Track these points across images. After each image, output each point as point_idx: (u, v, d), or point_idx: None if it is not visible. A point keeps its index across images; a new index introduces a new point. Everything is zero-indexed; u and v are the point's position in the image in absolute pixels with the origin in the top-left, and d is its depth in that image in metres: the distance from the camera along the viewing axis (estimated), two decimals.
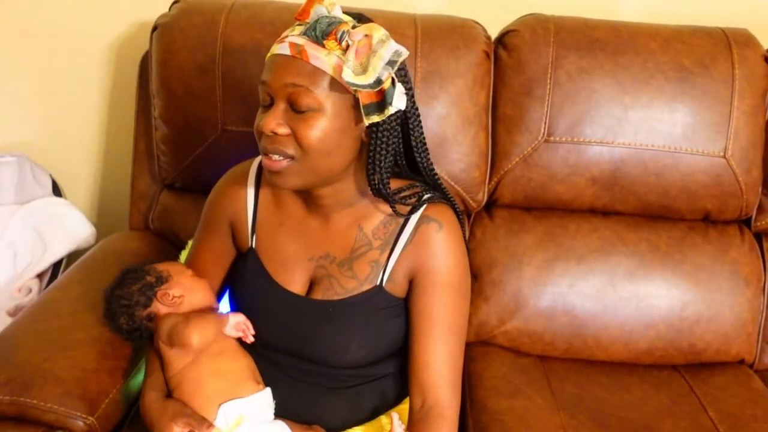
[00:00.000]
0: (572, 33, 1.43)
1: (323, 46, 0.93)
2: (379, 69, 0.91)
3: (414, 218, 1.06)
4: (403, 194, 1.07)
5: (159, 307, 1.08)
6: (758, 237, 1.50)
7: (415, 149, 1.06)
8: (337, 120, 0.95)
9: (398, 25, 1.41)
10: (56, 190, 1.78)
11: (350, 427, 1.10)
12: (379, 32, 0.93)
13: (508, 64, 1.45)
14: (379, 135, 0.98)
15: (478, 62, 1.42)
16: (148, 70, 1.50)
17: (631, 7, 1.66)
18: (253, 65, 1.37)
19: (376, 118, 0.95)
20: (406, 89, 0.98)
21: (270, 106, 0.96)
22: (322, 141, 0.94)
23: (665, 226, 1.48)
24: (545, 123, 1.42)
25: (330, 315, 1.05)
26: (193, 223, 1.49)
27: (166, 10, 1.49)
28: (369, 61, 0.91)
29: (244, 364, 1.06)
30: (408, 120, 1.03)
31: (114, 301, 1.11)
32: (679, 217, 1.49)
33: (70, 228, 1.70)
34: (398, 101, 0.95)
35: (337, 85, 0.93)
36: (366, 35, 0.92)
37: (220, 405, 1.01)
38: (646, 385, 1.39)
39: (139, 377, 1.19)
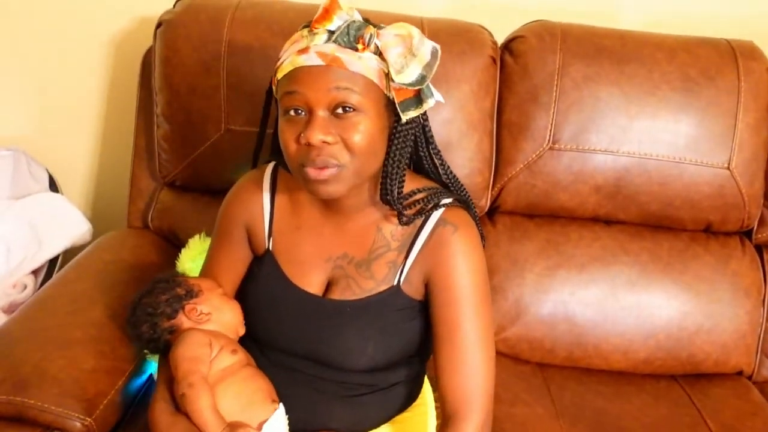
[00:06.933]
0: (579, 41, 1.43)
1: (356, 50, 0.94)
2: (422, 66, 0.95)
3: (431, 221, 1.04)
4: (415, 198, 1.05)
5: (183, 321, 1.06)
6: (759, 249, 1.51)
7: (432, 149, 1.07)
8: (377, 120, 0.96)
9: None
10: (53, 186, 1.75)
11: None
12: (415, 31, 0.96)
13: (514, 70, 1.44)
14: (399, 136, 0.99)
15: (484, 67, 1.41)
16: (150, 67, 1.49)
17: (635, 15, 1.65)
18: (259, 65, 1.35)
19: (413, 113, 0.98)
20: None
21: (300, 117, 0.95)
22: (369, 143, 0.95)
23: (667, 236, 1.48)
24: (550, 130, 1.41)
25: (348, 315, 1.04)
26: (193, 222, 1.49)
27: (169, 6, 1.48)
28: (410, 59, 0.95)
29: (257, 386, 1.03)
30: (424, 122, 1.05)
31: (140, 309, 1.07)
32: (680, 227, 1.49)
33: (66, 224, 1.67)
34: (436, 94, 0.99)
35: (372, 86, 0.95)
36: (397, 35, 0.96)
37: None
38: (645, 395, 1.39)
39: (138, 378, 1.18)
